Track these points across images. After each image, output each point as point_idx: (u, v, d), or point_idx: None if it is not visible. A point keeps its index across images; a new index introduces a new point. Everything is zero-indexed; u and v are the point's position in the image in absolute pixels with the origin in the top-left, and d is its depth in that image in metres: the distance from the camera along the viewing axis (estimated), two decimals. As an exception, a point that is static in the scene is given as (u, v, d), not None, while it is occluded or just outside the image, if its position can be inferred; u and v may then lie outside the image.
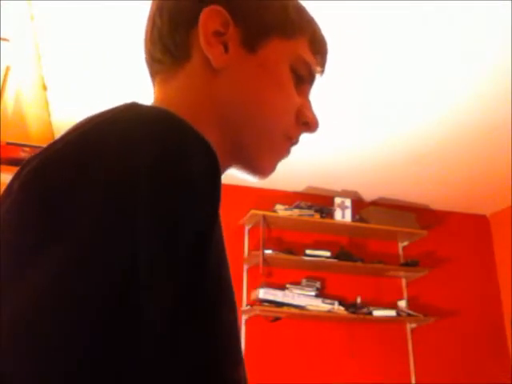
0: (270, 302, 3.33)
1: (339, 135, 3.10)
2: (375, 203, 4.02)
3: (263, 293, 3.33)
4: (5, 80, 2.01)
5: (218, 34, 0.58)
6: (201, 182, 0.40)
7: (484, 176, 3.61)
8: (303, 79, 0.62)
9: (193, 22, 0.58)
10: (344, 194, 3.89)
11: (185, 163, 0.39)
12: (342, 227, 3.75)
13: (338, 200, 3.81)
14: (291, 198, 3.77)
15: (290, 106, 0.61)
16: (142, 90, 2.77)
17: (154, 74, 0.63)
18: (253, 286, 3.48)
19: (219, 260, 0.43)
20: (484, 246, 4.20)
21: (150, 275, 0.35)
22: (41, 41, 2.44)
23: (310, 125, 0.63)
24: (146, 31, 0.63)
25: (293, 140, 0.63)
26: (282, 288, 3.49)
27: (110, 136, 0.40)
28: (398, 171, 3.58)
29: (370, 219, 3.77)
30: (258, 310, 3.26)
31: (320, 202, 3.81)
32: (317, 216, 3.65)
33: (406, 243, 3.98)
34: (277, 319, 3.46)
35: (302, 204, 3.71)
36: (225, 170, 0.62)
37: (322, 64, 0.65)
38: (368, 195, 3.99)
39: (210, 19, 0.57)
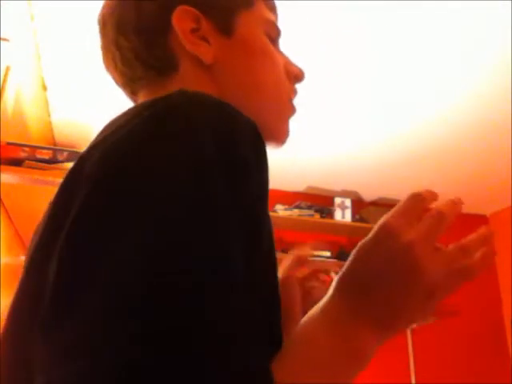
0: (270, 302, 3.33)
1: (339, 135, 3.10)
2: (375, 203, 4.02)
3: (263, 293, 3.33)
4: (5, 80, 2.01)
5: (194, 31, 0.59)
6: (259, 166, 0.43)
7: (484, 176, 3.61)
8: (275, 38, 0.65)
9: (165, 30, 0.58)
10: (344, 193, 3.88)
11: (244, 148, 0.41)
12: (342, 227, 3.75)
13: (337, 200, 3.81)
14: (291, 198, 3.77)
15: (280, 69, 0.63)
16: (142, 90, 2.77)
17: (135, 92, 0.63)
18: (253, 286, 3.47)
19: (269, 230, 0.46)
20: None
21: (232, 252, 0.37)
22: (41, 41, 2.44)
23: (298, 76, 0.66)
24: (108, 58, 0.64)
25: (292, 96, 0.66)
26: (282, 288, 3.49)
27: (170, 125, 0.41)
28: (398, 171, 3.58)
29: (370, 219, 3.77)
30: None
31: (320, 202, 3.81)
32: (317, 216, 3.65)
33: (405, 243, 3.98)
34: (277, 319, 3.46)
35: (302, 204, 3.71)
36: None
37: (277, 18, 0.68)
38: (368, 195, 3.99)
39: (182, 20, 0.58)
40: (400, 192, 3.91)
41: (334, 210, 3.76)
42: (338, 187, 3.86)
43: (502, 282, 4.06)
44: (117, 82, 0.65)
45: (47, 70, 2.65)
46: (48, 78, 2.72)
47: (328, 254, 3.61)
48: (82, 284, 0.35)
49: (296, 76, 0.66)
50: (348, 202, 3.81)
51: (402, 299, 0.42)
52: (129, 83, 0.63)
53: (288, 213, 3.62)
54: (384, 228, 0.44)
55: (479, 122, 2.97)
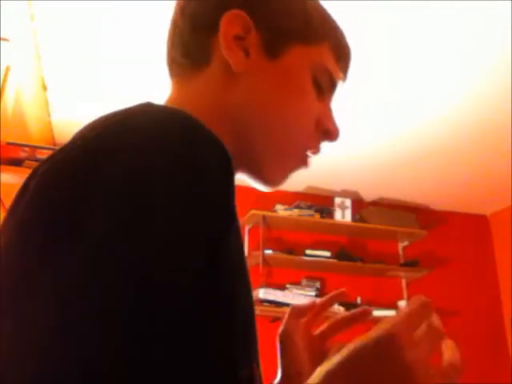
0: (270, 302, 3.33)
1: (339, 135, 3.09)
2: (375, 203, 4.02)
3: (263, 293, 3.33)
4: (5, 80, 2.01)
5: (238, 38, 0.57)
6: (216, 184, 0.40)
7: (484, 176, 3.61)
8: (324, 87, 0.61)
9: (214, 26, 0.57)
10: (344, 193, 3.89)
11: (200, 165, 0.39)
12: (342, 227, 3.75)
13: (337, 200, 3.81)
14: (291, 198, 3.77)
15: (309, 113, 0.59)
16: (142, 90, 2.77)
17: (172, 75, 0.63)
18: (253, 286, 3.47)
19: (237, 255, 0.44)
20: (484, 246, 4.20)
21: (166, 275, 0.35)
22: (41, 41, 2.44)
23: (330, 134, 0.62)
24: (168, 33, 0.62)
25: (311, 150, 0.62)
26: (282, 288, 3.49)
27: (124, 137, 0.40)
28: (397, 171, 3.58)
29: (370, 219, 3.77)
30: (258, 310, 3.26)
31: (320, 202, 3.81)
32: (317, 216, 3.65)
33: (405, 243, 3.98)
34: (277, 319, 3.46)
35: (302, 204, 3.71)
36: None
37: (345, 71, 0.64)
38: (368, 195, 3.99)
39: (231, 23, 0.56)
40: (400, 192, 3.91)
41: (334, 210, 3.76)
42: (338, 187, 3.86)
43: (502, 282, 4.06)
44: (166, 59, 0.64)
45: (47, 70, 2.66)
46: (48, 78, 2.72)
47: (328, 254, 3.61)
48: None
49: (327, 132, 0.62)
50: (348, 202, 3.81)
51: None
52: (170, 64, 0.62)
53: (288, 213, 3.62)
54: (391, 340, 0.42)
55: (479, 122, 2.97)
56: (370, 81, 2.63)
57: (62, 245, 0.35)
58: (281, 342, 0.66)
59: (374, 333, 0.43)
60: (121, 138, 0.39)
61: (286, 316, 0.68)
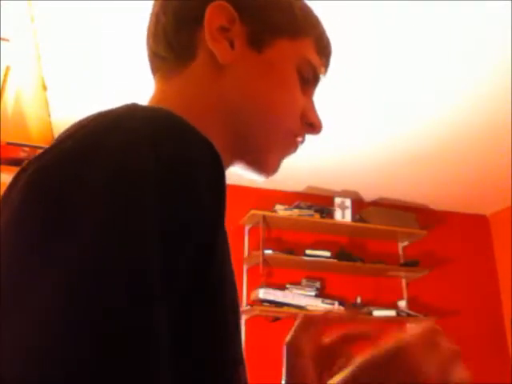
0: (270, 302, 3.33)
1: (339, 135, 3.10)
2: (375, 203, 4.02)
3: (263, 293, 3.33)
4: (5, 80, 2.01)
5: (223, 29, 0.57)
6: (206, 187, 0.39)
7: (484, 176, 3.61)
8: (308, 80, 0.62)
9: (199, 19, 0.57)
10: (344, 193, 3.89)
11: (189, 166, 0.39)
12: (342, 227, 3.75)
13: (337, 200, 3.81)
14: (291, 198, 3.77)
15: (295, 105, 0.60)
16: (142, 90, 2.77)
17: (155, 70, 0.62)
18: (253, 286, 3.47)
19: (223, 263, 0.43)
20: (484, 246, 4.20)
21: (156, 280, 0.35)
22: (41, 41, 2.44)
23: (313, 126, 0.63)
24: (148, 27, 0.62)
25: (299, 137, 0.63)
26: (282, 288, 3.49)
27: (111, 137, 0.39)
28: (398, 171, 3.58)
29: (370, 219, 3.77)
30: (258, 310, 3.26)
31: (320, 202, 3.81)
32: (317, 216, 3.65)
33: (405, 243, 3.98)
34: (277, 319, 3.46)
35: (302, 204, 3.71)
36: (228, 167, 0.61)
37: (326, 65, 0.65)
38: (368, 195, 3.99)
39: (215, 14, 0.56)
40: (400, 192, 3.91)
41: (334, 210, 3.76)
42: (338, 187, 3.86)
43: (502, 282, 4.06)
44: (147, 54, 0.63)
45: (47, 70, 2.66)
46: (48, 78, 2.72)
47: (328, 254, 3.61)
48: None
49: (311, 125, 0.63)
50: (348, 202, 3.81)
51: None
52: (152, 59, 0.62)
53: (288, 213, 3.62)
54: (401, 352, 0.43)
55: (479, 122, 2.97)
56: (370, 81, 2.63)
57: (51, 245, 0.35)
58: (287, 351, 0.65)
59: (383, 346, 0.43)
60: (108, 139, 0.39)
61: (296, 325, 0.67)
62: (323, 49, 0.63)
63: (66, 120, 3.05)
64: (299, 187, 3.85)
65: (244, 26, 0.58)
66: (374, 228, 3.73)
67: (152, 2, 0.63)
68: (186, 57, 0.58)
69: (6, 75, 2.02)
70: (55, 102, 2.91)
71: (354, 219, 3.77)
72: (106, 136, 0.39)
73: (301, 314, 0.67)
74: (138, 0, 2.14)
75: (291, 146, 0.63)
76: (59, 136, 0.45)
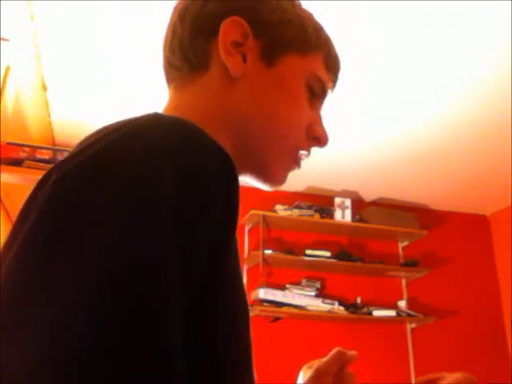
0: (270, 302, 3.33)
1: (339, 135, 3.10)
2: (375, 203, 4.02)
3: (263, 293, 3.33)
4: (5, 80, 2.01)
5: (237, 44, 0.59)
6: (222, 195, 0.41)
7: (484, 176, 3.61)
8: (316, 95, 0.64)
9: (214, 32, 0.59)
10: (344, 193, 3.88)
11: (207, 175, 0.40)
12: (342, 227, 3.75)
13: (337, 200, 3.81)
14: (291, 198, 3.77)
15: (302, 119, 0.62)
16: (142, 90, 2.77)
17: (169, 79, 0.64)
18: (253, 286, 3.47)
19: (234, 267, 0.44)
20: (484, 246, 4.20)
21: (169, 282, 0.36)
22: (41, 41, 2.44)
23: (319, 140, 0.65)
24: (165, 37, 0.64)
25: (303, 152, 0.64)
26: (282, 288, 3.49)
27: (134, 147, 0.40)
28: (398, 171, 3.58)
29: (370, 219, 3.77)
30: (258, 310, 3.26)
31: (320, 202, 3.81)
32: (317, 216, 3.65)
33: (405, 243, 3.98)
34: (277, 319, 3.46)
35: (302, 204, 3.71)
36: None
37: (334, 81, 0.67)
38: (368, 195, 3.99)
39: (230, 29, 0.59)
40: (400, 192, 3.91)
41: (334, 210, 3.76)
42: (338, 187, 3.86)
43: (502, 281, 4.06)
44: (162, 63, 0.65)
45: (47, 70, 2.65)
46: (48, 78, 2.72)
47: (328, 254, 3.61)
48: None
49: (317, 138, 0.65)
50: (348, 202, 3.81)
51: None
52: (168, 69, 0.64)
53: (288, 213, 3.62)
54: None
55: (479, 122, 2.97)
56: (370, 81, 2.63)
57: (71, 257, 0.35)
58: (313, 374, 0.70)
59: None
60: (132, 150, 0.40)
61: (310, 376, 0.71)
62: (332, 65, 0.65)
63: (66, 120, 3.05)
64: (299, 187, 3.85)
65: (257, 40, 0.60)
66: (374, 228, 3.72)
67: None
68: (200, 68, 0.60)
69: (5, 75, 2.02)
70: (55, 102, 2.91)
71: (353, 219, 3.77)
72: (127, 147, 0.40)
73: (338, 351, 0.75)
74: (139, 0, 2.14)
75: (295, 161, 0.64)
76: (82, 142, 0.46)
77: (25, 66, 2.42)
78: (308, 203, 3.72)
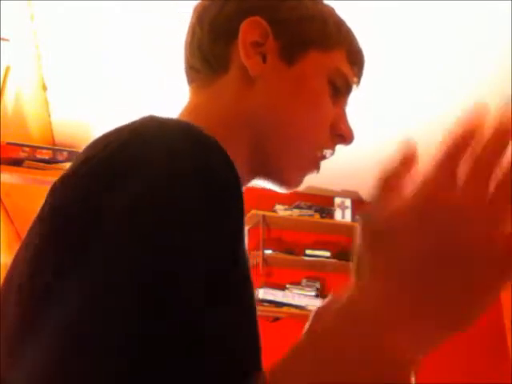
0: (270, 302, 3.33)
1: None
2: (375, 203, 4.02)
3: (263, 293, 3.33)
4: (5, 80, 2.01)
5: (256, 44, 0.58)
6: (223, 199, 0.40)
7: (484, 176, 3.61)
8: (340, 91, 0.62)
9: (233, 33, 0.58)
10: (344, 194, 3.88)
11: (208, 179, 0.39)
12: (342, 227, 3.75)
13: (337, 200, 3.81)
14: (291, 198, 3.77)
15: (324, 118, 0.61)
16: (142, 90, 2.77)
17: (190, 80, 0.64)
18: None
19: (244, 265, 0.43)
20: (484, 246, 4.20)
21: (188, 281, 0.35)
22: (41, 41, 2.44)
23: (344, 137, 0.64)
24: (185, 40, 0.63)
25: (327, 151, 0.63)
26: (282, 288, 3.49)
27: (132, 154, 0.40)
28: (398, 171, 3.58)
29: (370, 219, 3.77)
30: (257, 310, 3.26)
31: (320, 202, 3.81)
32: (317, 216, 3.65)
33: (406, 243, 3.98)
34: (277, 319, 3.46)
35: (302, 204, 3.71)
36: (251, 180, 0.62)
37: (359, 75, 0.66)
38: (368, 195, 3.98)
39: (249, 30, 0.58)
40: (400, 192, 3.91)
41: (334, 210, 3.76)
42: (338, 187, 3.86)
43: (502, 282, 4.06)
44: (184, 65, 0.65)
45: (47, 70, 2.66)
46: (48, 78, 2.72)
47: (328, 254, 3.61)
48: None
49: (342, 136, 0.63)
50: (348, 202, 3.81)
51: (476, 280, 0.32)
52: (188, 70, 0.64)
53: (288, 213, 3.62)
54: (431, 199, 0.33)
55: (479, 122, 2.97)
56: (370, 82, 2.63)
57: (84, 257, 0.35)
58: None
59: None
60: (144, 151, 0.40)
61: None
62: (356, 59, 0.64)
63: (66, 120, 3.05)
64: (299, 187, 3.85)
65: (277, 40, 0.59)
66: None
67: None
68: (219, 69, 0.60)
69: (5, 75, 2.02)
70: (55, 102, 2.91)
71: (354, 219, 3.76)
72: (126, 155, 0.40)
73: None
74: (139, 0, 2.14)
75: (315, 164, 0.62)
76: (86, 149, 0.45)
77: (25, 66, 2.42)
78: (308, 203, 3.72)
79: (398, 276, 0.34)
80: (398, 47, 2.39)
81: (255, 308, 0.45)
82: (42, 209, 0.42)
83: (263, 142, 0.59)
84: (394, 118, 2.96)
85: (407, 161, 0.37)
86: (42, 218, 0.40)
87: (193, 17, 0.63)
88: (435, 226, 0.33)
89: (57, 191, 0.41)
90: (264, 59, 0.59)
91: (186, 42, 0.63)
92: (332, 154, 0.64)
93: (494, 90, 2.67)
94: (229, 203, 0.39)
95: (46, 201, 0.42)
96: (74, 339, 0.32)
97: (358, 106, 3.01)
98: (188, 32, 0.63)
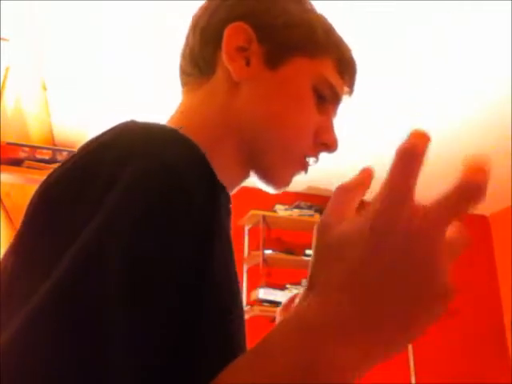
0: (270, 302, 3.33)
1: (339, 135, 3.09)
2: (375, 203, 4.02)
3: (263, 293, 3.33)
4: (5, 80, 2.01)
5: (241, 49, 0.60)
6: (194, 202, 0.40)
7: (484, 176, 3.60)
8: (326, 99, 0.62)
9: (221, 39, 0.59)
10: (344, 194, 3.88)
11: (176, 184, 0.39)
12: (342, 227, 3.75)
13: (337, 200, 3.81)
14: (291, 198, 3.77)
15: (306, 124, 0.61)
16: (141, 90, 2.77)
17: (183, 84, 0.66)
18: (253, 286, 3.48)
19: (220, 270, 0.43)
20: (484, 245, 4.20)
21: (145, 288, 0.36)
22: (41, 41, 2.44)
23: (328, 145, 0.63)
24: (182, 48, 0.66)
25: (311, 158, 0.63)
26: (282, 288, 3.49)
27: (106, 157, 0.41)
28: (397, 171, 3.58)
29: (370, 219, 3.77)
30: (257, 310, 3.26)
31: (320, 202, 3.81)
32: (317, 216, 3.66)
33: (405, 243, 3.98)
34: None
35: (302, 204, 3.71)
36: (242, 179, 0.63)
37: (350, 84, 0.66)
38: (368, 195, 3.98)
39: (233, 35, 0.59)
40: (400, 192, 3.91)
41: (334, 210, 3.76)
42: (337, 187, 3.86)
43: (502, 281, 4.06)
44: (178, 71, 0.67)
45: (47, 70, 2.66)
46: (48, 78, 2.72)
47: (328, 254, 3.61)
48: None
49: (325, 144, 0.63)
50: (348, 202, 3.81)
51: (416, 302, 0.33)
52: (181, 75, 0.66)
53: (288, 213, 3.62)
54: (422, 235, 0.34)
55: (479, 121, 2.97)
56: (371, 81, 2.63)
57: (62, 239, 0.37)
58: (319, 231, 0.66)
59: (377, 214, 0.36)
60: (103, 160, 0.41)
61: (332, 200, 0.66)
62: (345, 68, 0.64)
63: (66, 120, 3.05)
64: (299, 187, 3.85)
65: (262, 45, 0.60)
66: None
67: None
68: (208, 73, 0.61)
69: (5, 75, 2.02)
70: (55, 102, 2.91)
71: (353, 219, 3.77)
72: (99, 159, 0.42)
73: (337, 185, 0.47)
74: (139, 1, 2.14)
75: (300, 166, 0.63)
76: (77, 151, 0.47)
77: (25, 66, 2.42)
78: (308, 203, 3.72)
79: (349, 289, 0.34)
80: (397, 48, 2.39)
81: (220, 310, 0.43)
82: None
83: (249, 143, 0.60)
84: (394, 118, 2.96)
85: (364, 180, 0.40)
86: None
87: (190, 24, 0.65)
88: (389, 245, 0.33)
89: (35, 194, 0.44)
90: (248, 63, 0.60)
91: (182, 49, 0.65)
92: (316, 161, 0.64)
93: (494, 89, 2.67)
94: (182, 205, 0.39)
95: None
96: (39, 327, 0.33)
97: (358, 107, 3.03)
98: (184, 40, 0.65)
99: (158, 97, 2.79)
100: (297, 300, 0.57)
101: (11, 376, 0.31)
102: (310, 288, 0.36)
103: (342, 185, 0.41)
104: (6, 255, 0.41)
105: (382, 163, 2.90)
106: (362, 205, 0.40)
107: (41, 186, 0.43)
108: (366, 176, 0.41)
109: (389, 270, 0.33)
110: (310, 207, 3.69)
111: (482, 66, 2.51)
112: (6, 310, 0.36)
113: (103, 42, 2.45)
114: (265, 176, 0.62)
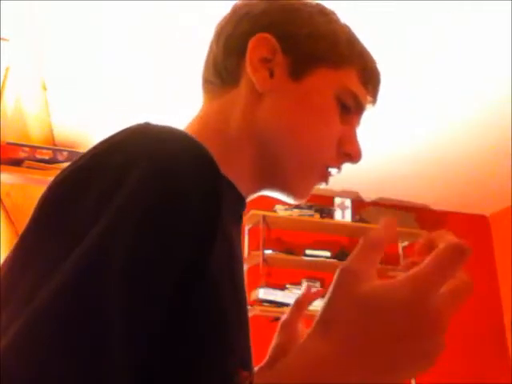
0: (270, 302, 3.33)
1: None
2: (375, 203, 4.02)
3: (263, 293, 3.33)
4: (5, 80, 2.01)
5: (265, 60, 0.60)
6: (196, 206, 0.40)
7: (484, 176, 3.61)
8: (349, 109, 0.62)
9: (245, 50, 0.60)
10: (344, 194, 3.89)
11: (179, 187, 0.39)
12: (342, 227, 3.75)
13: (337, 200, 3.81)
14: (291, 198, 3.77)
15: (330, 135, 0.61)
16: (142, 90, 2.77)
17: (204, 92, 0.66)
18: (253, 286, 3.47)
19: (220, 270, 0.44)
20: (484, 245, 4.20)
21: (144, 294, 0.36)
22: (41, 41, 2.44)
23: (351, 156, 0.63)
24: (206, 55, 0.66)
25: (333, 169, 0.63)
26: (282, 288, 3.49)
27: (113, 159, 0.41)
28: (398, 171, 3.58)
29: (370, 219, 3.77)
30: (258, 310, 3.26)
31: (320, 201, 3.81)
32: (317, 216, 3.66)
33: (405, 243, 3.98)
34: (277, 319, 3.45)
35: (302, 204, 3.71)
36: (253, 193, 0.63)
37: (373, 95, 0.66)
38: (368, 195, 3.99)
39: (257, 46, 0.59)
40: (400, 192, 3.91)
41: (334, 210, 3.76)
42: (338, 187, 3.86)
43: (502, 282, 4.06)
44: (202, 82, 0.68)
45: (47, 70, 2.66)
46: (48, 78, 2.72)
47: (328, 254, 3.61)
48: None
49: (348, 155, 0.63)
50: (348, 202, 3.81)
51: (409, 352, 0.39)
52: (203, 83, 0.66)
53: (288, 213, 3.62)
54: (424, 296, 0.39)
55: (479, 122, 2.97)
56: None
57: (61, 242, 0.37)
58: (280, 329, 0.69)
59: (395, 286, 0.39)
60: (110, 162, 0.41)
61: (292, 305, 0.69)
62: (369, 78, 0.64)
63: (66, 120, 3.05)
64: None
65: (286, 56, 0.60)
66: (374, 228, 3.72)
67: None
68: (231, 82, 0.62)
69: (5, 75, 2.02)
70: (55, 102, 2.91)
71: (353, 219, 3.77)
72: (106, 161, 0.41)
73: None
74: (140, 0, 2.14)
75: (322, 177, 0.63)
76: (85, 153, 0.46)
77: (25, 66, 2.42)
78: (308, 203, 3.72)
79: (352, 345, 0.39)
80: (398, 49, 2.39)
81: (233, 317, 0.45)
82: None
83: (269, 154, 0.60)
84: (394, 118, 2.96)
85: (391, 237, 0.44)
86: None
87: (213, 33, 0.66)
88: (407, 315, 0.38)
89: (42, 194, 0.43)
90: (272, 74, 0.60)
91: (205, 58, 0.66)
92: (338, 172, 0.64)
93: (494, 89, 2.67)
94: (184, 210, 0.39)
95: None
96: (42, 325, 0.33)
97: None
98: (208, 48, 0.66)
99: (158, 97, 2.79)
100: (300, 326, 0.60)
101: (12, 377, 0.31)
102: (325, 330, 0.41)
103: (371, 236, 0.44)
104: (10, 254, 0.41)
105: (382, 163, 2.90)
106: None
107: (49, 186, 0.43)
108: (392, 232, 0.45)
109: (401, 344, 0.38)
110: (310, 207, 3.69)
111: (482, 66, 2.51)
112: (9, 309, 0.36)
113: (103, 42, 2.45)
114: (285, 187, 0.62)
